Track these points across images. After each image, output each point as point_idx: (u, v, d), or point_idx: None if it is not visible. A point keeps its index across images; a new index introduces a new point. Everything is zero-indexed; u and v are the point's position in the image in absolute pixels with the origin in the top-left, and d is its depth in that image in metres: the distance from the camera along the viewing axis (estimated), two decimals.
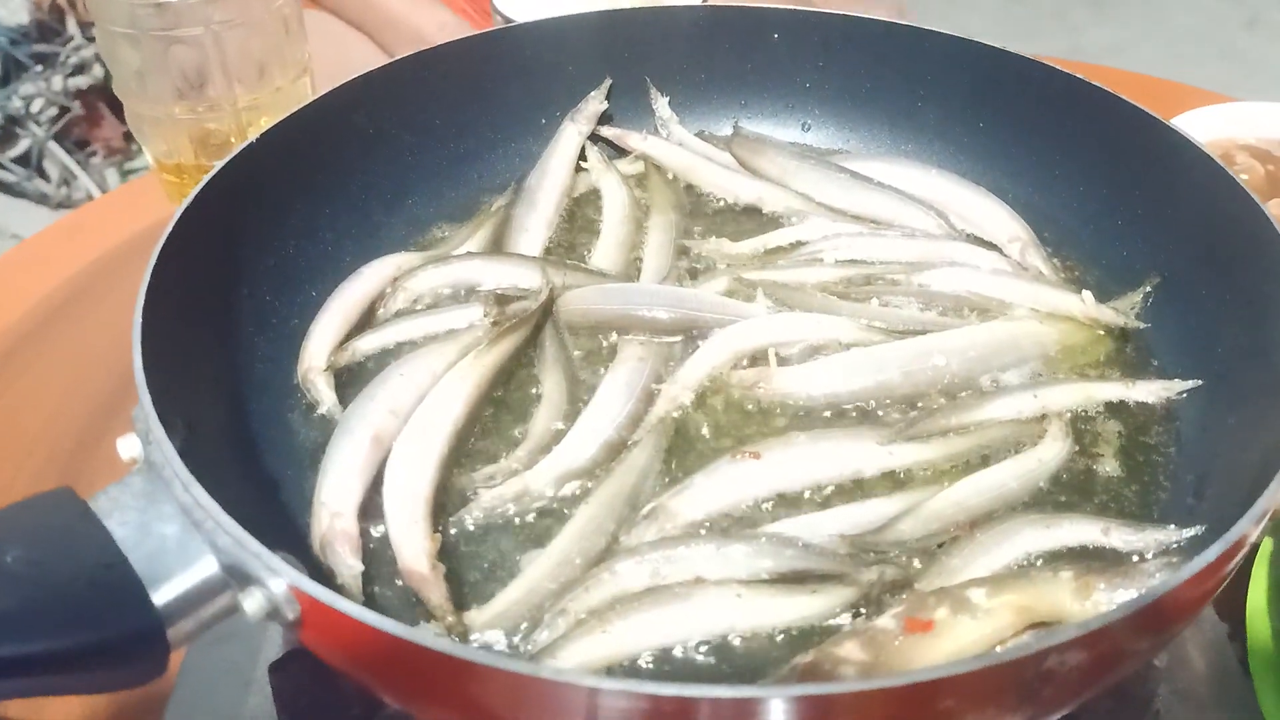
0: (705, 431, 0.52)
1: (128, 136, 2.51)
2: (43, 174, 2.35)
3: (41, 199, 2.36)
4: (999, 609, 0.41)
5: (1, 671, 0.33)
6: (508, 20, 0.95)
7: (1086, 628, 0.32)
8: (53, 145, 2.33)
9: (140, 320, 0.44)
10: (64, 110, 2.34)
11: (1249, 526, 0.36)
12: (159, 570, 0.36)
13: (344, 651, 0.37)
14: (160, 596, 0.35)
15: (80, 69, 2.32)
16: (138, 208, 0.89)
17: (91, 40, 2.28)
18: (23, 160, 2.32)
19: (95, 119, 2.43)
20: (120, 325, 0.66)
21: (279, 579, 0.35)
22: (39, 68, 2.26)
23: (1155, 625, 0.36)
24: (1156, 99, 0.97)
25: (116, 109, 2.50)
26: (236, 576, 0.36)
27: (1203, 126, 0.86)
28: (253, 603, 0.36)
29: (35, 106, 2.28)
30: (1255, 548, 0.54)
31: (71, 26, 2.27)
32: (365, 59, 1.28)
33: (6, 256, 0.86)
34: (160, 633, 0.35)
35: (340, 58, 1.25)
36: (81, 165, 2.39)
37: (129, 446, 0.40)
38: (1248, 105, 0.87)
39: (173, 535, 0.37)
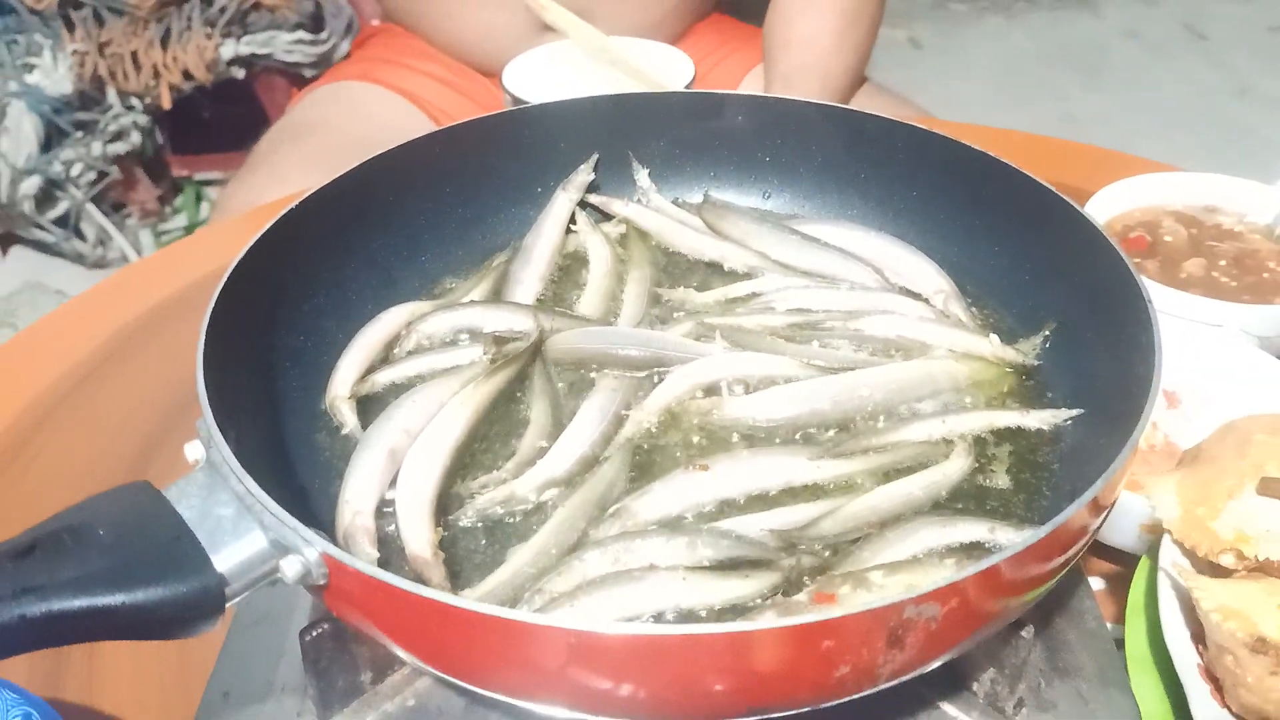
0: (666, 450, 0.62)
1: (162, 200, 2.63)
2: (80, 234, 2.46)
3: (78, 258, 2.47)
4: (891, 585, 0.51)
5: (102, 615, 0.42)
6: (516, 98, 1.07)
7: (933, 586, 0.42)
8: (90, 207, 2.44)
9: (202, 353, 0.53)
10: (102, 175, 2.44)
11: (1071, 514, 0.45)
12: (218, 542, 0.45)
13: (362, 608, 0.47)
14: (220, 562, 0.45)
15: (119, 136, 2.43)
16: (182, 266, 1.00)
17: (130, 109, 2.41)
18: (61, 221, 2.43)
19: (131, 183, 2.55)
20: (174, 359, 0.79)
21: (312, 548, 0.45)
22: (79, 134, 2.36)
23: (999, 589, 0.45)
24: (1100, 167, 1.07)
25: (152, 174, 2.63)
26: (279, 547, 0.46)
27: (1135, 194, 0.95)
28: (291, 567, 0.45)
29: (75, 171, 2.39)
30: (1137, 555, 0.64)
31: (111, 96, 2.38)
32: (397, 128, 1.40)
33: (79, 300, 0.97)
34: (219, 589, 0.45)
35: (374, 128, 1.38)
36: (117, 226, 2.50)
37: (193, 450, 0.50)
38: (1176, 175, 0.97)
39: (228, 516, 0.46)
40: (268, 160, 1.36)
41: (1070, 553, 0.48)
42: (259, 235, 0.62)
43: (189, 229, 2.61)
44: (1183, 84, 3.18)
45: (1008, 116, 2.98)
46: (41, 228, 2.41)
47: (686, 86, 1.10)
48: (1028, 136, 1.19)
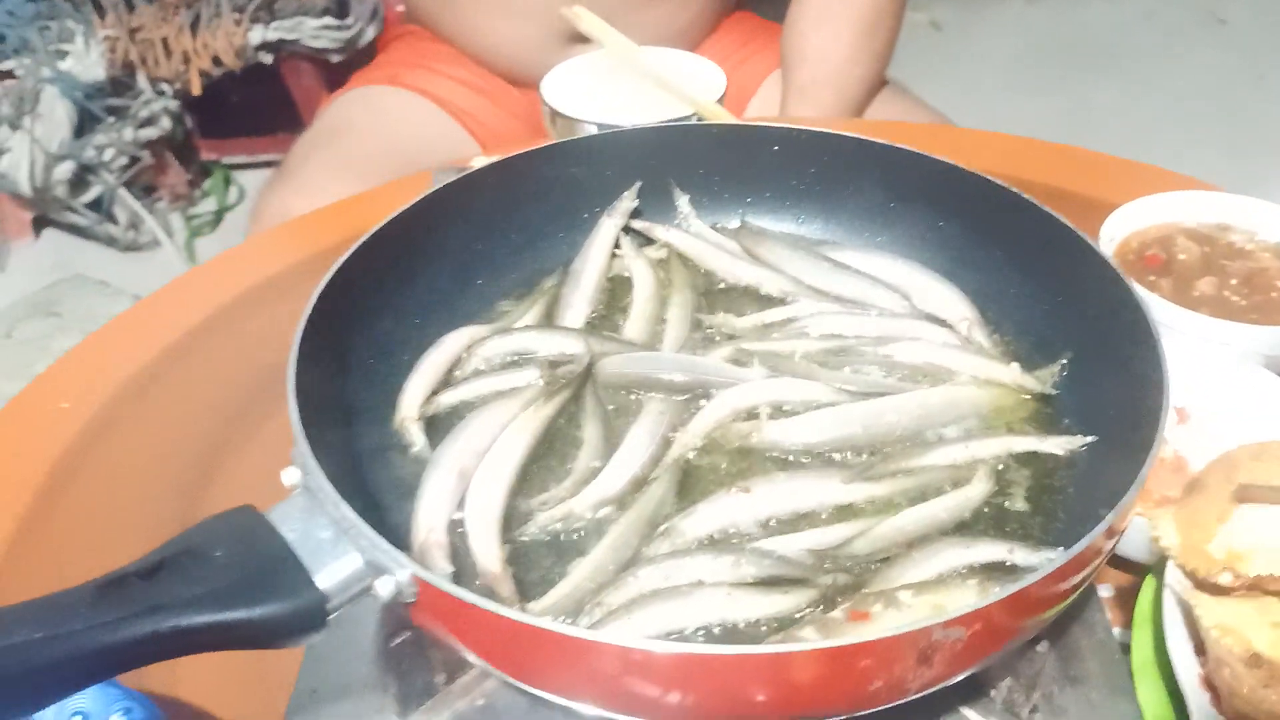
0: (709, 470, 0.67)
1: (192, 184, 2.68)
2: (112, 218, 2.51)
3: (110, 241, 2.53)
4: (919, 604, 0.56)
5: (222, 630, 0.48)
6: (555, 110, 1.11)
7: (959, 612, 0.47)
8: (122, 192, 2.49)
9: (293, 385, 0.59)
10: (134, 160, 2.49)
11: (1089, 542, 0.50)
12: (319, 563, 0.50)
13: (446, 622, 0.52)
14: (321, 581, 0.50)
15: (149, 121, 2.48)
16: (232, 275, 1.05)
17: (161, 94, 2.45)
18: (94, 205, 2.48)
19: (162, 167, 2.60)
20: (235, 360, 0.84)
21: (404, 570, 0.50)
22: (111, 119, 2.41)
23: (1019, 612, 0.50)
24: (1122, 178, 1.10)
25: (182, 158, 2.68)
26: (373, 569, 0.51)
27: (1151, 211, 0.99)
28: (384, 586, 0.50)
29: (107, 156, 2.43)
30: (1145, 569, 0.69)
31: (142, 82, 2.43)
32: (427, 134, 1.44)
33: (141, 306, 1.03)
34: (322, 606, 0.50)
35: (405, 135, 1.42)
36: (148, 210, 2.55)
37: (290, 475, 0.55)
38: (1190, 193, 1.00)
39: (327, 539, 0.51)
40: (302, 169, 1.40)
41: (1082, 576, 0.53)
42: (332, 271, 0.67)
43: (218, 212, 2.67)
44: (1199, 71, 3.18)
45: (1027, 100, 3.00)
46: (75, 211, 2.47)
47: (718, 99, 1.14)
48: (1051, 146, 1.23)
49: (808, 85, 1.31)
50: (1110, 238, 0.95)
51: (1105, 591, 0.74)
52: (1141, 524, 0.71)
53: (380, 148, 1.39)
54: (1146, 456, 0.55)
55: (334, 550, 0.51)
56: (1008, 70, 3.22)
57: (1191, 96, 3.03)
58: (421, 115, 1.49)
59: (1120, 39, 3.37)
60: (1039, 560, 0.60)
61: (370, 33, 2.48)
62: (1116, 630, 0.68)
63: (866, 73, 1.34)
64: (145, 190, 2.59)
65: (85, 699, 0.60)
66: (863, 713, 0.52)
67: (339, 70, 2.46)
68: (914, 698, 0.52)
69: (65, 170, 2.38)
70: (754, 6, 1.67)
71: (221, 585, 0.49)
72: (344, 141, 1.44)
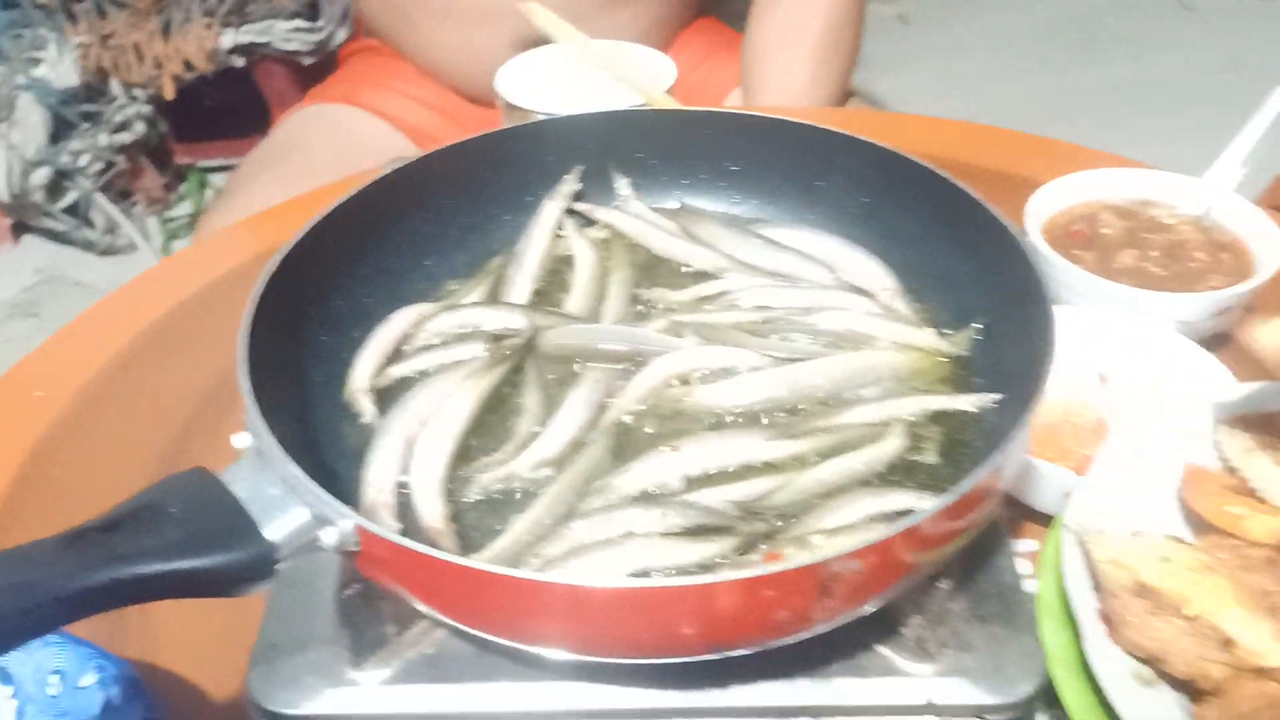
0: (643, 433, 0.71)
1: (167, 188, 2.71)
2: (89, 223, 2.54)
3: (88, 246, 2.56)
4: (829, 546, 0.60)
5: (176, 578, 0.52)
6: (509, 103, 1.16)
7: (853, 547, 0.51)
8: (98, 196, 2.52)
9: (245, 354, 0.62)
10: (109, 164, 2.52)
11: (973, 484, 0.55)
12: (268, 516, 0.54)
13: (389, 571, 0.56)
14: (270, 533, 0.54)
15: (123, 126, 2.51)
16: (204, 265, 1.09)
17: (134, 99, 2.48)
18: (71, 210, 2.51)
19: (137, 171, 2.63)
20: (205, 349, 0.87)
21: (347, 521, 0.54)
22: (86, 125, 2.44)
23: (911, 547, 0.55)
24: (1050, 158, 1.15)
25: (157, 162, 2.70)
26: (319, 520, 0.55)
27: (1076, 189, 1.04)
28: (329, 537, 0.55)
29: (83, 161, 2.47)
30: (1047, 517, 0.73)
31: (115, 88, 2.46)
32: (379, 152, 1.46)
33: (107, 300, 1.06)
34: (271, 556, 0.54)
35: (356, 153, 1.43)
36: (125, 214, 2.58)
37: (241, 439, 0.60)
38: (1115, 170, 1.05)
39: (276, 495, 0.55)
40: (246, 189, 1.40)
41: (971, 517, 0.58)
42: (284, 250, 0.71)
43: (194, 215, 2.70)
44: (1176, 56, 3.22)
45: (997, 92, 3.05)
46: (52, 217, 2.49)
47: (668, 90, 1.19)
48: (982, 129, 1.27)
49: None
50: (1037, 214, 1.00)
51: (1031, 545, 0.78)
52: (1057, 480, 0.75)
53: (329, 169, 1.38)
54: (1029, 405, 0.59)
55: (282, 505, 0.55)
56: (977, 62, 3.26)
57: (1168, 80, 3.08)
58: (375, 135, 1.49)
59: (1092, 26, 3.42)
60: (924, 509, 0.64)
61: (341, 35, 2.51)
62: (1034, 583, 0.72)
63: (830, 92, 1.36)
64: (121, 194, 2.62)
65: (62, 659, 0.64)
66: (779, 642, 0.56)
67: (311, 72, 2.49)
68: (825, 628, 0.56)
69: (42, 176, 2.41)
70: (718, 13, 1.69)
71: (176, 538, 0.53)
72: (291, 163, 1.44)
